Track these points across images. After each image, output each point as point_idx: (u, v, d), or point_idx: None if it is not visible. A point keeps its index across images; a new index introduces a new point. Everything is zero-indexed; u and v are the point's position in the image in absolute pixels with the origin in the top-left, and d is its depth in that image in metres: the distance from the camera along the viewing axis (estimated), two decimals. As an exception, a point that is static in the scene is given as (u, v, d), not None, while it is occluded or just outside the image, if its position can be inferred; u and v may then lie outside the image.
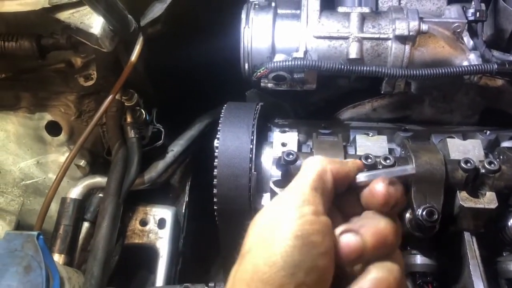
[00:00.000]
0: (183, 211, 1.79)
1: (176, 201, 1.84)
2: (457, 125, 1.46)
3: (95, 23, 1.10)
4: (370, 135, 1.33)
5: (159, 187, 1.76)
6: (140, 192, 1.76)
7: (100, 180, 1.52)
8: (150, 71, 1.51)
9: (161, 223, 1.64)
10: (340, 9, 1.30)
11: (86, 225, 1.51)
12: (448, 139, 1.30)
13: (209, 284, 1.17)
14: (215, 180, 1.23)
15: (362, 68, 1.20)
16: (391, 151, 1.33)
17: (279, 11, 1.33)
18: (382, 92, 1.34)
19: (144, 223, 1.64)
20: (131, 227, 1.63)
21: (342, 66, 1.20)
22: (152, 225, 1.64)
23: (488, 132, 1.38)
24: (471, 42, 1.30)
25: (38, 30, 1.25)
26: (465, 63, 1.25)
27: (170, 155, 1.64)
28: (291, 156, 1.11)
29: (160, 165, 1.61)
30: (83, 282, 1.22)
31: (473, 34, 1.28)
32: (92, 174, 1.59)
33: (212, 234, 1.38)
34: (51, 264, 1.05)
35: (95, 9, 1.00)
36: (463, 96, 1.39)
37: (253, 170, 1.23)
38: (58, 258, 1.39)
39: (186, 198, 1.81)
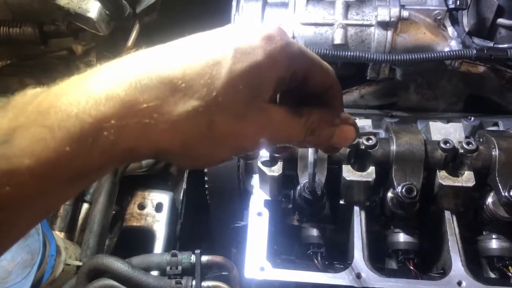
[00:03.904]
0: (181, 198, 1.86)
1: (175, 189, 1.91)
2: (443, 111, 1.51)
3: (91, 8, 1.18)
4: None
5: (157, 173, 1.83)
6: (140, 178, 1.83)
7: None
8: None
9: (158, 207, 1.71)
10: (327, -3, 1.36)
11: (85, 206, 1.58)
12: (430, 123, 1.35)
13: (196, 251, 1.23)
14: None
15: (346, 53, 1.26)
16: (375, 134, 1.38)
17: (269, 0, 1.39)
18: (367, 78, 1.40)
19: (142, 206, 1.71)
20: (129, 210, 1.70)
21: (327, 51, 1.26)
22: (149, 209, 1.71)
23: (472, 118, 1.43)
24: (454, 30, 1.36)
25: (41, 17, 1.33)
26: (446, 50, 1.30)
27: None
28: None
29: (158, 150, 1.68)
30: (79, 253, 1.29)
31: (454, 21, 1.33)
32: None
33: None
34: (48, 232, 1.12)
35: (91, -7, 1.08)
36: (447, 83, 1.44)
37: (242, 150, 1.29)
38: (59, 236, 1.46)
39: (184, 186, 1.88)
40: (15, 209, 0.47)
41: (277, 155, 1.18)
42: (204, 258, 1.24)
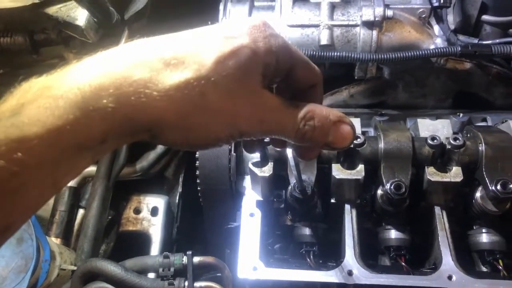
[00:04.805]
0: (177, 201, 1.87)
1: (171, 193, 1.92)
2: (432, 108, 1.52)
3: (80, 16, 1.20)
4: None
5: (152, 178, 1.84)
6: (136, 183, 1.85)
7: (94, 169, 1.61)
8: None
9: (154, 211, 1.73)
10: (312, -1, 1.38)
11: (81, 211, 1.60)
12: (418, 119, 1.37)
13: (187, 252, 1.24)
14: (197, 161, 1.31)
15: (333, 53, 1.28)
16: (364, 132, 1.40)
17: (256, 3, 1.41)
18: (355, 77, 1.41)
19: (137, 211, 1.73)
20: (125, 215, 1.71)
21: (314, 52, 1.27)
22: (145, 213, 1.73)
23: (461, 114, 1.45)
24: (440, 28, 1.38)
25: (32, 26, 1.35)
26: (432, 47, 1.32)
27: (161, 146, 1.73)
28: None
29: (152, 155, 1.70)
30: (75, 258, 1.31)
31: (438, 19, 1.35)
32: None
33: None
34: (42, 237, 1.14)
35: (78, 2, 1.10)
36: (435, 80, 1.46)
37: (232, 152, 1.31)
38: (54, 241, 1.47)
39: (180, 189, 1.90)
40: (27, 176, 0.51)
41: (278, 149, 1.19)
42: (196, 259, 1.26)
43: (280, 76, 0.67)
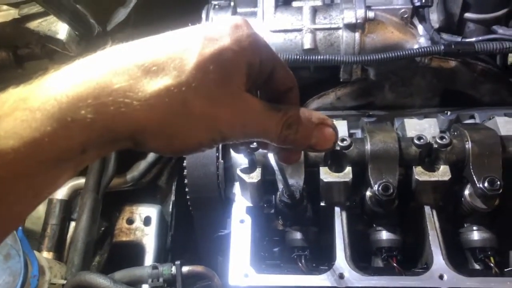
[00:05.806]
0: (171, 210, 1.87)
1: (164, 201, 1.92)
2: (419, 108, 1.52)
3: (60, 29, 1.20)
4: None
5: (144, 187, 1.84)
6: (128, 193, 1.85)
7: (84, 181, 1.61)
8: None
9: (146, 221, 1.73)
10: (294, 3, 1.38)
11: (73, 224, 1.59)
12: (405, 119, 1.36)
13: (176, 262, 1.24)
14: (185, 170, 1.31)
15: (316, 57, 1.28)
16: (352, 134, 1.40)
17: (238, 10, 1.41)
18: (341, 79, 1.41)
19: (130, 221, 1.72)
20: (118, 226, 1.71)
21: (298, 57, 1.27)
22: (138, 223, 1.72)
23: (449, 112, 1.45)
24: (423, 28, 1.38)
25: (15, 41, 1.35)
26: (416, 47, 1.32)
27: (151, 155, 1.73)
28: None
29: (142, 165, 1.70)
30: (65, 271, 1.30)
31: (421, 19, 1.35)
32: (78, 176, 1.67)
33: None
34: (30, 253, 1.14)
35: (59, 16, 1.10)
36: (421, 80, 1.46)
37: (220, 159, 1.31)
38: (46, 255, 1.47)
39: (173, 198, 1.89)
40: (5, 189, 0.50)
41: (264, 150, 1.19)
42: (185, 269, 1.25)
43: (263, 78, 0.66)
